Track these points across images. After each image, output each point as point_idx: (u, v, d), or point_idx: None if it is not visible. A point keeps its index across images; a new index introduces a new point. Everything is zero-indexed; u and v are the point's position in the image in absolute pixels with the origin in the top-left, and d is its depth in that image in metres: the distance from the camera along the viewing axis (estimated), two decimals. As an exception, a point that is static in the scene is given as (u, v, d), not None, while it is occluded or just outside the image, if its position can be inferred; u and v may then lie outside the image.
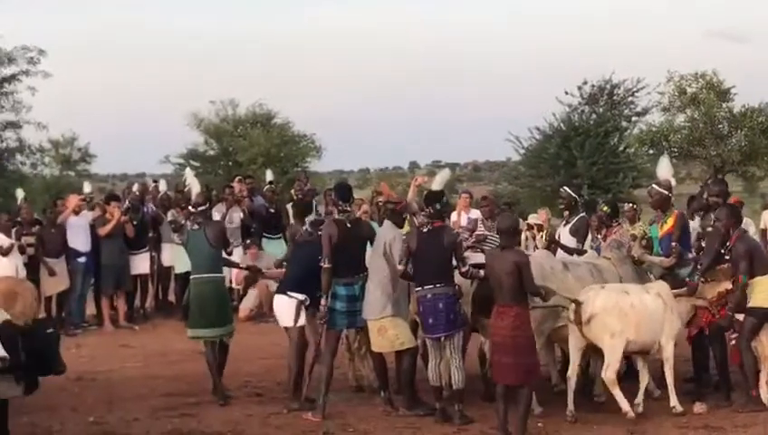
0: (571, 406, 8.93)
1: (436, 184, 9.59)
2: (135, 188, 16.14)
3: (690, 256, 9.96)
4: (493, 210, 13.08)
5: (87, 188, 16.92)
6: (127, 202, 15.34)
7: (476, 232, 10.95)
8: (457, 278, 9.09)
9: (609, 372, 8.85)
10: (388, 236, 9.28)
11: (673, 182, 10.51)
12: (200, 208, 10.45)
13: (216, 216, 13.99)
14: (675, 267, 9.80)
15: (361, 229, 9.63)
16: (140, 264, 15.39)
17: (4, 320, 7.59)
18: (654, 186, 10.46)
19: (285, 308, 9.77)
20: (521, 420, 8.23)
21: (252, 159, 33.78)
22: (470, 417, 8.90)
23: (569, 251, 11.08)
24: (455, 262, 8.97)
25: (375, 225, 10.85)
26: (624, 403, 8.78)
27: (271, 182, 17.11)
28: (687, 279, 9.52)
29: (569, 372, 9.10)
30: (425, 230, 9.04)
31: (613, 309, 8.87)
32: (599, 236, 10.96)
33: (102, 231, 14.68)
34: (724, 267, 9.33)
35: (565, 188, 12.48)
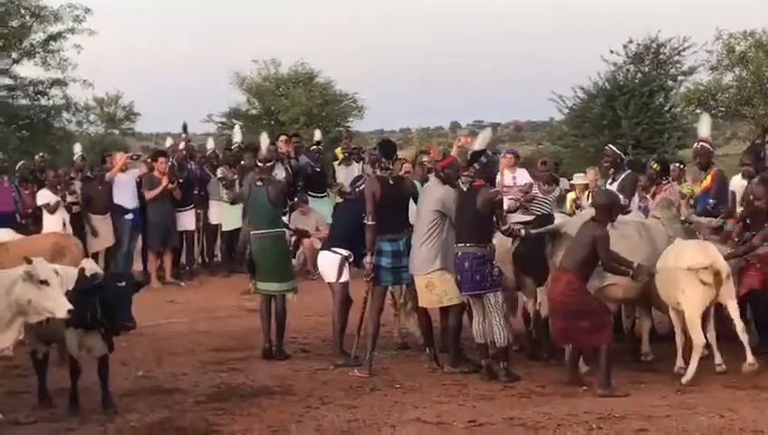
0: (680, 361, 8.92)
1: (478, 144, 9.56)
2: (181, 145, 16.23)
3: (720, 208, 9.88)
4: (552, 175, 12.98)
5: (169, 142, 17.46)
6: (172, 160, 15.43)
7: (528, 193, 10.94)
8: (500, 237, 9.08)
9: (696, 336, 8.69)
10: (439, 193, 9.26)
11: (711, 139, 10.49)
12: (268, 164, 10.59)
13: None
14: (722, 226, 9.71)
15: (404, 186, 9.69)
16: (186, 220, 15.52)
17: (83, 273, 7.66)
18: (702, 143, 10.40)
19: (329, 264, 9.83)
20: (602, 377, 8.33)
21: (294, 119, 33.76)
22: (516, 374, 8.91)
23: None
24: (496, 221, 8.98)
25: (417, 184, 10.87)
26: (692, 366, 8.67)
27: (318, 142, 17.12)
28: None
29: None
30: (464, 189, 9.04)
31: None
32: (647, 196, 10.89)
33: (149, 196, 14.81)
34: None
35: (610, 145, 12.32)
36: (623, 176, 11.64)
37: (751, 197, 9.36)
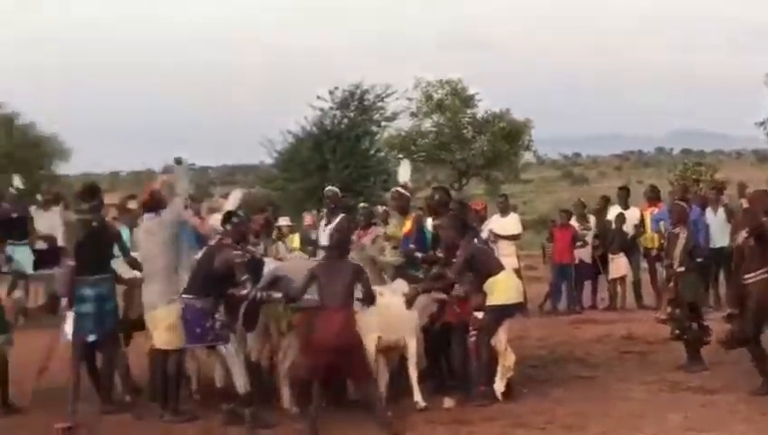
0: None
1: (230, 204, 9.86)
2: None
3: (418, 254, 10.35)
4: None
5: None
6: None
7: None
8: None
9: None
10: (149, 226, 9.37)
11: (410, 186, 10.95)
12: None
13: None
14: (406, 266, 10.18)
15: (106, 231, 9.67)
16: None
17: None
18: (398, 189, 10.88)
19: None
20: None
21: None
22: (263, 418, 8.88)
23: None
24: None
25: (125, 229, 10.75)
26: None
27: (18, 188, 16.39)
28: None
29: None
30: (211, 243, 9.24)
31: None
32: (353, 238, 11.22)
33: None
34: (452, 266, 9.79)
35: (332, 187, 12.64)
36: (338, 218, 11.99)
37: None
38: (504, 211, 16.03)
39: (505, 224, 15.71)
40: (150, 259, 9.32)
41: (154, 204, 9.56)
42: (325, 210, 12.30)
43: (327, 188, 12.64)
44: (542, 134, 48.08)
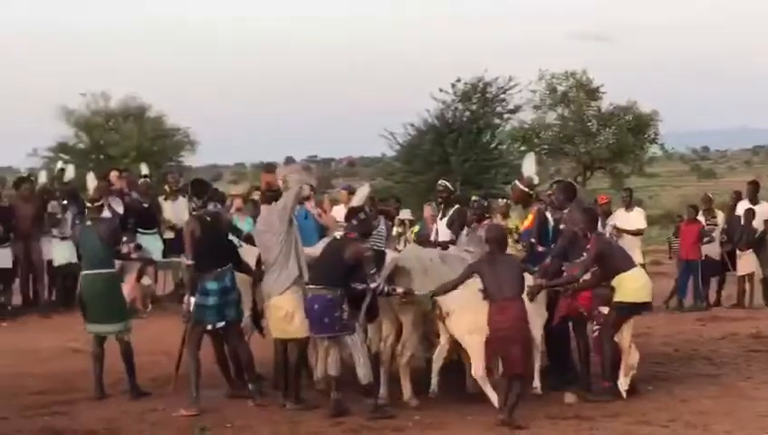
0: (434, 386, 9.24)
1: (356, 200, 9.90)
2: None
3: (540, 248, 10.24)
4: (381, 209, 13.07)
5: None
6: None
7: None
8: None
9: (476, 368, 8.99)
10: (271, 215, 9.48)
11: (536, 180, 10.84)
12: (96, 204, 10.48)
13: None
14: (529, 261, 10.05)
15: (221, 223, 9.74)
16: (2, 259, 15.03)
17: None
18: (516, 182, 10.85)
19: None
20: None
21: (124, 154, 33.16)
22: (386, 410, 8.94)
23: (436, 245, 11.34)
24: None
25: (250, 220, 10.93)
26: (494, 397, 8.85)
27: (146, 176, 16.83)
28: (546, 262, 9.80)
29: (435, 355, 9.38)
30: (337, 236, 9.35)
31: (468, 306, 9.02)
32: (470, 230, 11.25)
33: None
34: (580, 262, 9.65)
35: (443, 181, 12.76)
36: (452, 210, 12.05)
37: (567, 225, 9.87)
38: (629, 206, 15.81)
39: (629, 218, 15.52)
40: (267, 250, 9.46)
41: (270, 196, 9.79)
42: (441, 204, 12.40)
43: (439, 182, 12.76)
44: (670, 127, 47.17)
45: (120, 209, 15.20)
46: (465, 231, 11.72)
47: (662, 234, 25.77)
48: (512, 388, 8.52)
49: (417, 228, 14.24)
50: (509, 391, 8.52)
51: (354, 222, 9.23)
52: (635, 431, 8.25)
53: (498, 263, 8.76)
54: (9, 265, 15.15)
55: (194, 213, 9.64)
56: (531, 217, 10.41)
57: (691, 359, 11.50)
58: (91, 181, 11.24)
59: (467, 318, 9.00)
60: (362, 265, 9.01)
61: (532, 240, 10.23)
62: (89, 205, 10.56)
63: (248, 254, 9.84)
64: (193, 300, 9.26)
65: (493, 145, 31.12)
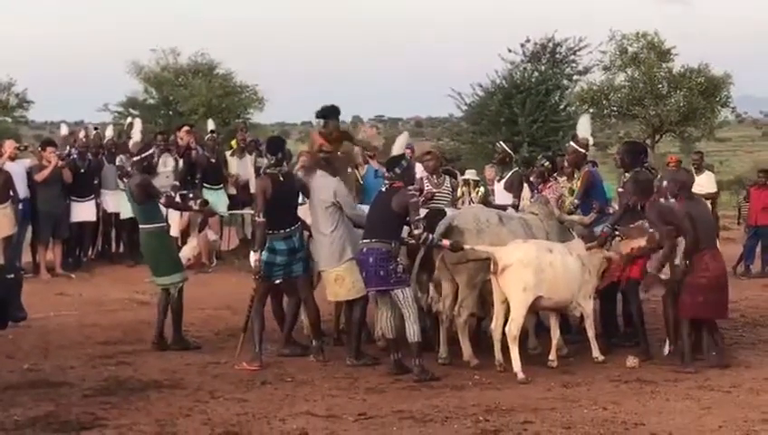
0: (498, 356, 9.06)
1: (397, 148, 9.64)
2: (81, 134, 15.91)
3: (611, 210, 10.13)
4: (437, 165, 13.08)
5: (64, 129, 17.24)
6: (71, 149, 15.21)
7: (424, 191, 11.03)
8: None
9: (513, 326, 8.90)
10: (332, 184, 9.41)
11: (591, 141, 10.70)
12: (137, 157, 10.48)
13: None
14: (594, 224, 9.92)
15: (294, 183, 9.66)
16: (85, 211, 15.24)
17: None
18: (571, 142, 10.69)
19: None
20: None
21: (193, 109, 33.39)
22: (429, 371, 8.86)
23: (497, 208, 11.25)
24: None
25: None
26: (517, 364, 8.80)
27: (213, 131, 16.94)
28: (603, 230, 9.66)
29: (492, 324, 9.25)
30: (383, 189, 9.20)
31: (530, 264, 8.94)
32: (536, 191, 11.13)
33: (39, 177, 14.47)
34: (638, 225, 9.51)
35: (501, 143, 12.69)
36: (509, 174, 11.96)
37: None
38: (699, 169, 15.56)
39: (699, 181, 15.27)
40: (322, 216, 9.44)
41: (325, 159, 9.81)
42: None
43: (496, 144, 12.66)
44: (744, 92, 46.20)
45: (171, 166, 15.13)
46: (529, 193, 11.61)
47: (732, 199, 25.31)
48: (713, 333, 9.10)
49: (481, 189, 14.15)
50: (714, 335, 9.09)
51: (397, 170, 9.13)
52: (697, 396, 8.15)
53: (701, 208, 9.04)
54: (93, 217, 15.39)
55: (267, 171, 9.63)
56: (581, 178, 10.28)
57: (756, 325, 11.35)
58: (137, 128, 11.16)
59: (526, 274, 8.91)
60: (409, 211, 8.92)
61: (576, 201, 10.10)
62: (133, 158, 10.65)
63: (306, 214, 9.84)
64: (261, 256, 9.31)
65: (561, 107, 30.76)
